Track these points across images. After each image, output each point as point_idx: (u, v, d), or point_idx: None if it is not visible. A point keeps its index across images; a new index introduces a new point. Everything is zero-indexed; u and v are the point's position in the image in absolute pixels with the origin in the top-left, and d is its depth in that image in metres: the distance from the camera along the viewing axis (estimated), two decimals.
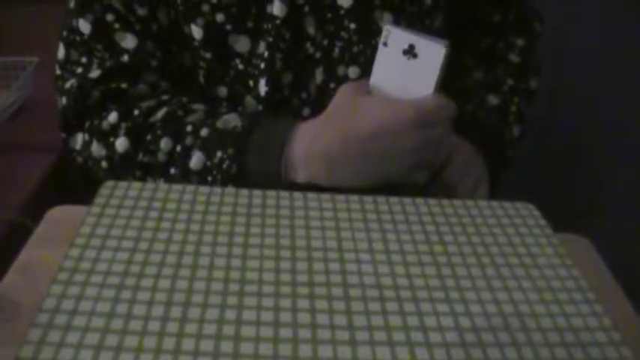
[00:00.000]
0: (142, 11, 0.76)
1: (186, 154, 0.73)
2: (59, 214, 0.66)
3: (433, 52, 0.66)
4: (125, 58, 0.77)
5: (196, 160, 0.73)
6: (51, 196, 0.93)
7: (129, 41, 0.77)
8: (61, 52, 0.80)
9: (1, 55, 1.16)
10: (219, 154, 0.72)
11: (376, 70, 0.71)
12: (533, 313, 0.56)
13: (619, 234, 1.36)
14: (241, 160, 0.71)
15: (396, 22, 0.78)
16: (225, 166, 0.71)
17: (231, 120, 0.74)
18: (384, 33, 0.69)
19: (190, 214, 0.65)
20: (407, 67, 0.68)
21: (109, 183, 0.69)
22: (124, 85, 0.77)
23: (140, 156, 0.75)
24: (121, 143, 0.75)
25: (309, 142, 0.71)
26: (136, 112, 0.76)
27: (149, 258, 0.58)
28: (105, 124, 0.76)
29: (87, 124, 0.78)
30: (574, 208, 1.26)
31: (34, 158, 0.99)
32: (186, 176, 0.73)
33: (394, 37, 0.68)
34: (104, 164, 0.77)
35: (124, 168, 0.76)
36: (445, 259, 0.62)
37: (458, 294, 0.57)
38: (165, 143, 0.74)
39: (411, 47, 0.67)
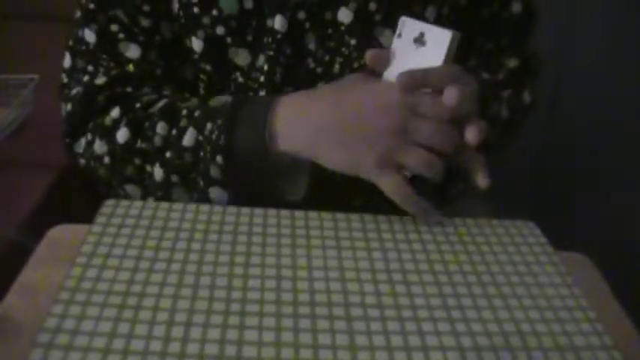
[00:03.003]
0: (145, 22, 0.77)
1: (181, 134, 0.73)
2: (60, 233, 0.66)
3: (440, 38, 0.67)
4: (130, 67, 0.78)
5: (189, 136, 0.73)
6: (52, 214, 0.93)
7: (133, 51, 0.78)
8: (67, 61, 0.81)
9: (2, 72, 1.17)
10: (209, 126, 0.72)
11: (390, 62, 0.71)
12: (535, 332, 0.56)
13: (619, 252, 1.36)
14: (230, 131, 0.71)
15: None
16: (214, 137, 0.71)
17: (222, 98, 0.75)
18: (399, 25, 0.69)
19: (192, 232, 0.65)
20: (416, 55, 0.68)
21: (110, 202, 0.69)
22: (129, 89, 0.78)
23: (139, 143, 0.75)
24: (121, 134, 0.75)
25: (292, 111, 0.71)
26: (137, 105, 0.77)
27: (150, 277, 0.58)
28: (107, 120, 0.77)
29: (90, 125, 0.78)
30: (574, 227, 1.26)
31: (35, 176, 0.99)
32: (180, 156, 0.73)
33: (407, 28, 0.69)
34: (106, 160, 0.77)
35: (124, 159, 0.76)
36: (446, 277, 0.62)
37: (459, 313, 0.58)
38: (161, 127, 0.74)
39: (421, 35, 0.68)
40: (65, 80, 0.81)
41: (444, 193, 0.90)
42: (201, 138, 0.72)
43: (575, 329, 0.57)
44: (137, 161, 0.75)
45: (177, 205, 0.69)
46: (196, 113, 0.74)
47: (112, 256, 0.61)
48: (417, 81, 0.67)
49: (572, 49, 1.63)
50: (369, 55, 0.70)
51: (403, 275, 0.62)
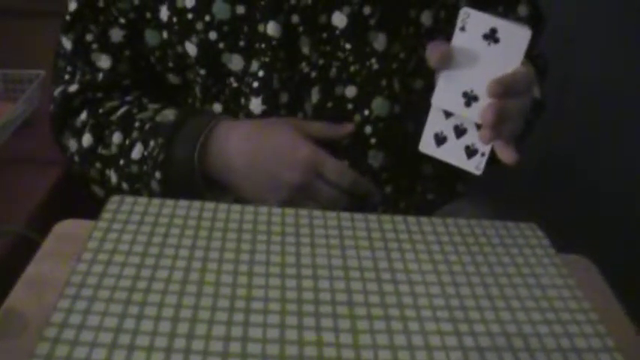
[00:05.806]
0: (117, 36, 0.81)
1: (131, 146, 0.78)
2: (66, 228, 0.67)
3: (517, 36, 0.62)
4: (100, 76, 0.83)
5: (137, 150, 0.78)
6: (57, 209, 0.94)
7: (104, 61, 0.83)
8: (54, 62, 0.86)
9: (8, 67, 1.17)
10: (152, 143, 0.77)
11: (456, 59, 0.65)
12: (537, 333, 0.57)
13: (622, 255, 1.37)
14: (168, 150, 0.75)
15: (390, 45, 0.78)
16: (155, 154, 0.76)
17: (169, 114, 0.79)
18: (461, 17, 0.63)
19: (197, 230, 0.65)
20: (488, 54, 0.63)
21: (116, 198, 0.69)
22: (99, 95, 0.83)
23: (99, 149, 0.81)
24: (86, 139, 0.81)
25: (224, 137, 0.75)
26: (101, 110, 0.82)
27: (156, 273, 0.59)
28: (77, 122, 0.83)
29: (68, 124, 0.84)
30: (577, 229, 1.26)
31: (41, 171, 0.99)
32: (129, 166, 0.78)
33: (473, 21, 0.63)
34: (76, 158, 0.83)
35: (88, 161, 0.82)
36: (449, 278, 0.62)
37: (462, 313, 0.58)
38: (116, 137, 0.80)
39: (493, 31, 0.63)
40: (53, 80, 0.87)
41: (449, 189, 0.90)
42: (145, 153, 0.77)
43: (577, 331, 0.58)
44: (98, 165, 0.81)
45: (183, 202, 0.69)
46: (146, 127, 0.78)
47: (118, 252, 0.61)
48: (508, 89, 0.63)
49: (575, 53, 1.63)
50: (434, 56, 0.64)
51: (406, 275, 0.62)
